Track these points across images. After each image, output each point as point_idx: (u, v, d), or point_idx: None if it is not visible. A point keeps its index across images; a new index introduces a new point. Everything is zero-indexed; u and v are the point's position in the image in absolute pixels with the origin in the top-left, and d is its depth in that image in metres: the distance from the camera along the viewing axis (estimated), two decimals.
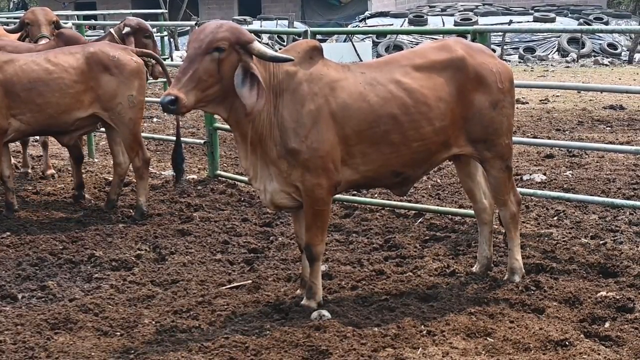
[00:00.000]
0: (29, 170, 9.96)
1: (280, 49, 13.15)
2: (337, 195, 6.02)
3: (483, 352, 4.75)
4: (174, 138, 8.07)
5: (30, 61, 7.57)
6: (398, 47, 25.36)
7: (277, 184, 5.22)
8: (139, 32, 8.80)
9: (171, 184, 9.04)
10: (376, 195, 8.44)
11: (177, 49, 26.18)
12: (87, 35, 13.03)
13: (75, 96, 7.58)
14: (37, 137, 10.29)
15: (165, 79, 8.73)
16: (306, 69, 5.17)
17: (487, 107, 5.52)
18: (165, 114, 14.38)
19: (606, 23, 26.97)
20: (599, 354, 4.68)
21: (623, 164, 9.98)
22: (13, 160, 9.62)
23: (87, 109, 7.66)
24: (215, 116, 9.48)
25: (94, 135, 11.21)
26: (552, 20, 27.11)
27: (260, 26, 28.58)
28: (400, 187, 5.62)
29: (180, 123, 8.39)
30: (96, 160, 10.89)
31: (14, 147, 9.95)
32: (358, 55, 24.78)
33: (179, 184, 8.52)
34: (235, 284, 5.95)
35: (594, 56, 25.11)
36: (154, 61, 8.45)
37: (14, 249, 6.88)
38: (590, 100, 16.00)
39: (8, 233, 7.31)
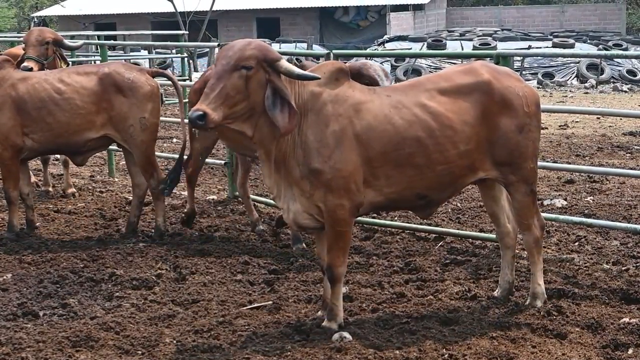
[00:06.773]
0: (50, 189, 9.99)
1: None
2: (358, 218, 6.01)
3: None
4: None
5: (43, 80, 7.64)
6: (417, 71, 25.38)
7: (299, 204, 5.23)
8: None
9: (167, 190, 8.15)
10: (396, 218, 8.43)
11: (196, 70, 26.33)
12: (108, 56, 13.08)
13: (86, 117, 7.62)
14: (58, 156, 10.32)
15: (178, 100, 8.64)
16: (331, 90, 5.19)
17: (513, 130, 5.51)
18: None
19: (625, 49, 26.86)
20: None
21: None
22: (34, 179, 9.68)
23: (99, 130, 7.68)
24: None
25: (115, 155, 11.25)
26: (571, 46, 27.04)
27: (279, 48, 28.66)
28: (424, 210, 5.62)
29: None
30: (116, 179, 10.93)
31: (34, 165, 10.01)
32: None
33: (165, 190, 7.78)
34: (256, 305, 5.94)
35: (613, 82, 25.03)
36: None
37: (35, 267, 6.91)
38: (610, 126, 15.96)
39: (29, 251, 7.34)
